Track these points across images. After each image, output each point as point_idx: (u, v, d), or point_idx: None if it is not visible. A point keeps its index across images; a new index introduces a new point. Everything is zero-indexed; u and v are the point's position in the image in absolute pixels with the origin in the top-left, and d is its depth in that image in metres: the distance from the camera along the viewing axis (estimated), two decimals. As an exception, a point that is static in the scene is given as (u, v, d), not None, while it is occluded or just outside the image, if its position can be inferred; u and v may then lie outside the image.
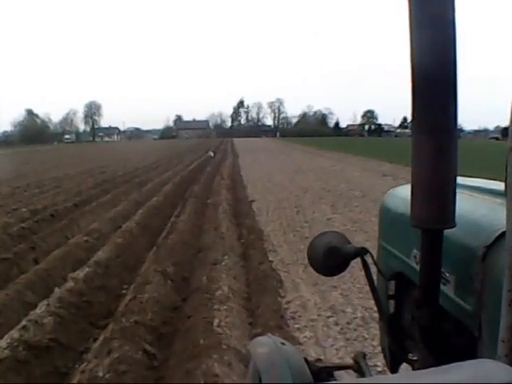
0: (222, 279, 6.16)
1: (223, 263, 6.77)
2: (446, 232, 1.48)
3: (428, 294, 1.54)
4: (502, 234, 1.27)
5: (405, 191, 1.83)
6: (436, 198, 1.42)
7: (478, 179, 2.29)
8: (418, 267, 1.63)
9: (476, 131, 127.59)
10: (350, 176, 19.32)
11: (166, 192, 14.63)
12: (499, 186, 1.59)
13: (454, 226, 1.45)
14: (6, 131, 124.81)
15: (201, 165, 26.62)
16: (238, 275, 6.63)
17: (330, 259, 1.83)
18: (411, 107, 1.43)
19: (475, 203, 1.74)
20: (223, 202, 12.50)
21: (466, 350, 1.48)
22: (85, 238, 8.58)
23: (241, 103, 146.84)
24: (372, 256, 1.87)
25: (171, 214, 11.18)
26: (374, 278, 1.92)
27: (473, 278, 1.43)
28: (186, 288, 6.39)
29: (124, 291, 6.42)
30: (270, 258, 7.34)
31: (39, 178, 21.59)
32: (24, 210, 11.98)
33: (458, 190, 1.46)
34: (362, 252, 1.78)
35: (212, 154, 34.43)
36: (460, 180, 1.53)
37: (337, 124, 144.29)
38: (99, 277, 6.52)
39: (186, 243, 8.38)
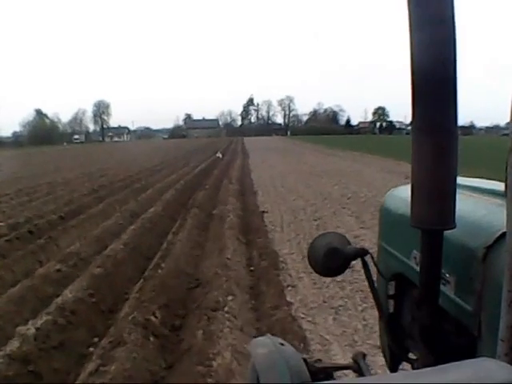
0: (223, 335, 4.49)
1: (226, 308, 5.08)
2: (446, 233, 1.46)
3: (428, 294, 1.53)
4: (503, 235, 1.27)
5: (405, 192, 1.82)
6: (436, 198, 1.41)
7: (478, 179, 2.30)
8: (418, 268, 1.62)
9: (488, 128, 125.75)
10: (370, 179, 17.49)
11: (166, 200, 12.95)
12: (499, 186, 1.59)
13: (454, 227, 1.44)
14: (16, 132, 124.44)
15: (208, 167, 24.89)
16: (245, 325, 4.93)
17: (330, 260, 1.81)
18: (411, 107, 1.41)
19: (475, 204, 1.73)
20: (230, 212, 10.80)
21: (466, 350, 1.47)
22: (57, 267, 6.92)
23: (250, 101, 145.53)
24: (372, 257, 1.83)
25: (168, 230, 9.48)
26: (374, 278, 1.90)
27: (473, 278, 1.42)
28: (175, 346, 4.72)
29: (91, 348, 4.78)
30: (288, 298, 5.61)
31: (34, 183, 20.04)
32: (1, 224, 10.38)
33: (458, 191, 1.45)
34: (362, 253, 1.77)
35: (220, 155, 31.65)
36: (460, 180, 1.53)
37: (348, 121, 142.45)
38: (59, 330, 4.84)
39: (181, 273, 6.68)
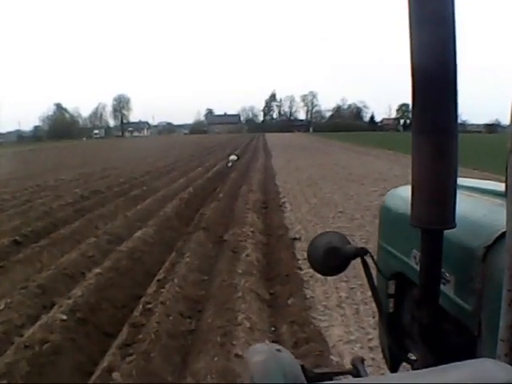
0: None
1: None
2: (446, 232, 1.46)
3: (428, 294, 1.54)
4: (502, 235, 1.27)
5: (405, 191, 1.82)
6: (436, 198, 1.42)
7: (478, 180, 2.32)
8: (418, 268, 1.62)
9: None
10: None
11: (164, 216, 9.81)
12: (499, 186, 1.64)
13: (454, 227, 1.44)
14: (38, 126, 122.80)
15: (226, 168, 21.65)
16: None
17: (330, 259, 1.81)
18: (411, 107, 1.43)
19: (475, 204, 1.74)
20: (248, 240, 7.64)
21: (466, 350, 1.47)
22: None
23: (273, 97, 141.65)
24: (372, 256, 1.81)
25: (152, 276, 6.32)
26: (374, 277, 1.85)
27: (473, 278, 1.42)
28: None
29: None
30: None
31: (20, 186, 17.04)
32: None
33: (458, 191, 1.45)
34: (362, 252, 1.76)
35: (235, 157, 25.39)
36: (460, 180, 1.53)
37: (372, 118, 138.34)
38: None
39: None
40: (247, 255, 6.76)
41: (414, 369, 1.86)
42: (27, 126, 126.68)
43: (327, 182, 15.89)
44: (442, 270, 1.52)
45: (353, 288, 5.63)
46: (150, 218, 9.68)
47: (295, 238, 8.01)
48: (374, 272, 1.83)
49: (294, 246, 7.52)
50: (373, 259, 1.83)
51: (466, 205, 1.63)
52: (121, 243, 7.77)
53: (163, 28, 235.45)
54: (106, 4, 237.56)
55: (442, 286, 1.54)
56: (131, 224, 9.28)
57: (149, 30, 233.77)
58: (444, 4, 1.32)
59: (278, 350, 1.25)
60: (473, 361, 0.96)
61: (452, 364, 0.93)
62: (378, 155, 29.42)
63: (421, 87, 1.39)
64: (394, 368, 2.19)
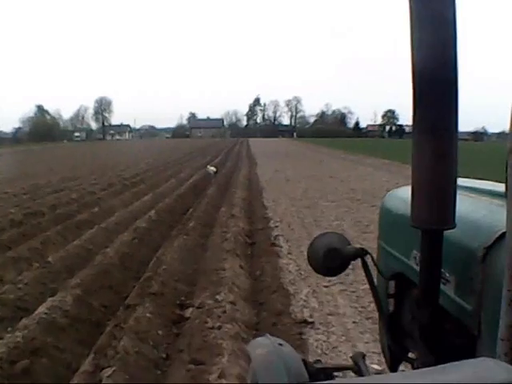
0: None
1: None
2: (446, 233, 1.44)
3: (428, 294, 1.51)
4: (502, 235, 1.25)
5: (405, 192, 1.80)
6: (436, 198, 1.39)
7: (477, 180, 2.27)
8: (418, 268, 1.60)
9: (499, 134, 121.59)
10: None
11: (101, 266, 6.51)
12: (499, 187, 1.57)
13: (454, 227, 1.42)
14: (19, 127, 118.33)
15: (203, 179, 18.29)
16: None
17: (330, 260, 1.78)
18: (412, 108, 1.40)
19: (475, 204, 1.71)
20: (226, 325, 4.47)
21: (466, 350, 1.44)
22: None
23: (257, 101, 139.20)
24: (372, 257, 1.79)
25: None
26: (375, 278, 1.81)
27: (473, 278, 1.40)
28: None
29: None
30: None
31: None
32: None
33: (458, 191, 1.42)
34: (361, 253, 1.74)
35: (214, 169, 19.91)
36: (460, 181, 1.50)
37: (357, 124, 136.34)
38: None
39: None
40: (220, 375, 3.57)
41: (414, 368, 1.80)
42: (8, 127, 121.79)
43: (328, 201, 12.73)
44: (442, 270, 1.49)
45: None
46: (80, 269, 6.44)
47: (305, 322, 4.77)
48: (374, 273, 1.78)
49: (305, 345, 4.30)
50: (373, 260, 1.79)
51: (465, 205, 1.61)
52: (13, 324, 4.55)
53: (146, 30, 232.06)
54: (89, 4, 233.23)
55: (442, 286, 1.51)
56: (46, 280, 6.04)
57: (132, 32, 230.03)
58: (445, 5, 1.29)
59: (280, 345, 1.26)
60: (473, 360, 0.94)
61: (452, 363, 0.90)
62: (374, 165, 26.46)
63: (421, 88, 1.35)
64: (393, 367, 2.13)
